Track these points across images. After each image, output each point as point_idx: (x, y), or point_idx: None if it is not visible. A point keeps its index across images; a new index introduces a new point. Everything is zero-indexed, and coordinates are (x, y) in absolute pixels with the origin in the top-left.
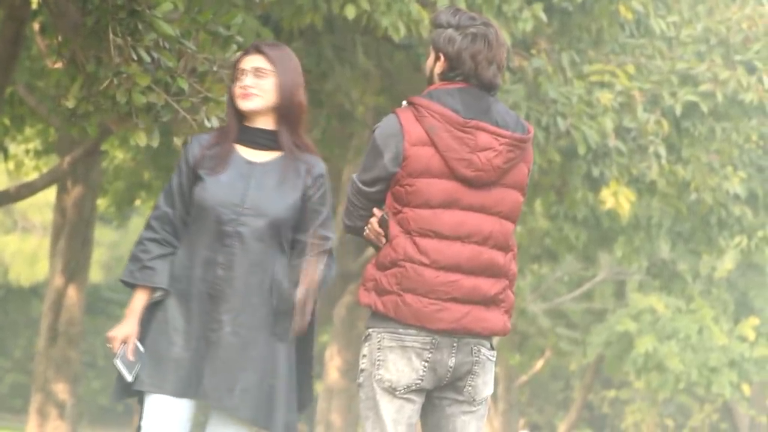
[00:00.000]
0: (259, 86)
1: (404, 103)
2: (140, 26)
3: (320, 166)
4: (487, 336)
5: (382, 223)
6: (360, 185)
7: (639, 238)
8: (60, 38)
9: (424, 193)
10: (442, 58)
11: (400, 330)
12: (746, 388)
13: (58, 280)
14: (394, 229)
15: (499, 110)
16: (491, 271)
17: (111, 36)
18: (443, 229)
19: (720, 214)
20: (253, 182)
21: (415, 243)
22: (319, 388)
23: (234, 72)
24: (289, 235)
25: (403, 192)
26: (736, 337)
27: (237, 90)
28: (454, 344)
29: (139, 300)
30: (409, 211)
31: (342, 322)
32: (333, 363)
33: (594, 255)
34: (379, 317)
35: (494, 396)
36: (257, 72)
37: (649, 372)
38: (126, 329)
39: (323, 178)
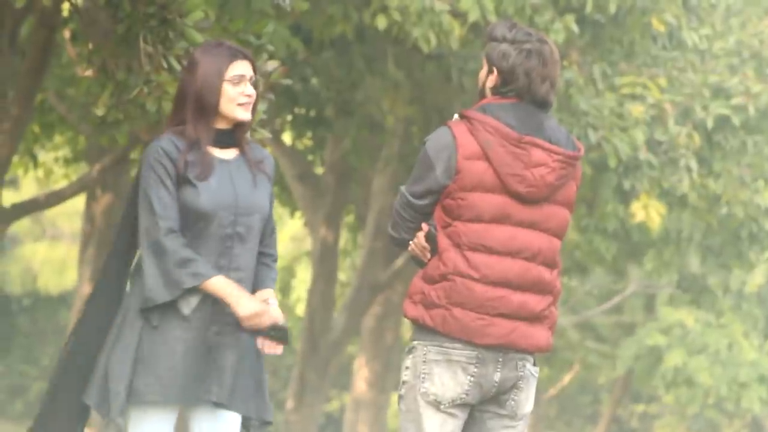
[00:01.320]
0: (253, 95)
1: (456, 116)
2: (171, 35)
3: (270, 156)
4: (532, 352)
5: (429, 237)
6: (409, 197)
7: (669, 252)
8: (91, 46)
9: (476, 208)
10: (495, 72)
11: (446, 344)
12: None
13: (87, 289)
14: (444, 242)
15: (552, 127)
16: (538, 288)
17: (141, 44)
18: (494, 244)
19: (751, 229)
20: (236, 181)
21: (465, 257)
22: (346, 399)
23: (219, 73)
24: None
25: (455, 205)
26: (766, 353)
27: (240, 97)
28: (500, 359)
29: (226, 284)
30: (460, 224)
31: (370, 333)
32: (360, 374)
33: (624, 268)
34: (425, 330)
35: None
36: (251, 80)
37: (678, 386)
38: (255, 302)
39: (274, 167)
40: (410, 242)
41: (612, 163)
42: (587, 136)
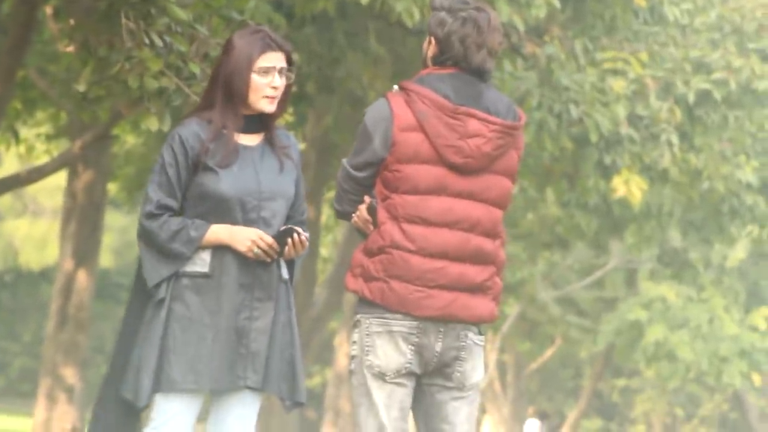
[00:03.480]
0: (281, 87)
1: (395, 87)
2: (153, 11)
3: (296, 142)
4: (474, 322)
5: (371, 209)
6: (350, 170)
7: (650, 227)
8: (72, 22)
9: (412, 179)
10: (434, 41)
11: (387, 315)
12: (757, 378)
13: (68, 265)
14: (382, 215)
15: (491, 96)
16: (478, 258)
17: (123, 20)
18: (430, 216)
19: (732, 203)
20: (259, 166)
21: (402, 229)
22: (328, 374)
23: (249, 62)
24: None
25: (392, 177)
26: (747, 327)
27: (266, 89)
28: (441, 329)
29: (218, 230)
30: (397, 197)
31: (351, 309)
32: (342, 350)
33: (605, 243)
34: (366, 303)
35: (503, 383)
36: (281, 72)
37: (660, 361)
38: (252, 231)
39: (299, 153)
40: (353, 215)
41: (593, 138)
42: (569, 111)
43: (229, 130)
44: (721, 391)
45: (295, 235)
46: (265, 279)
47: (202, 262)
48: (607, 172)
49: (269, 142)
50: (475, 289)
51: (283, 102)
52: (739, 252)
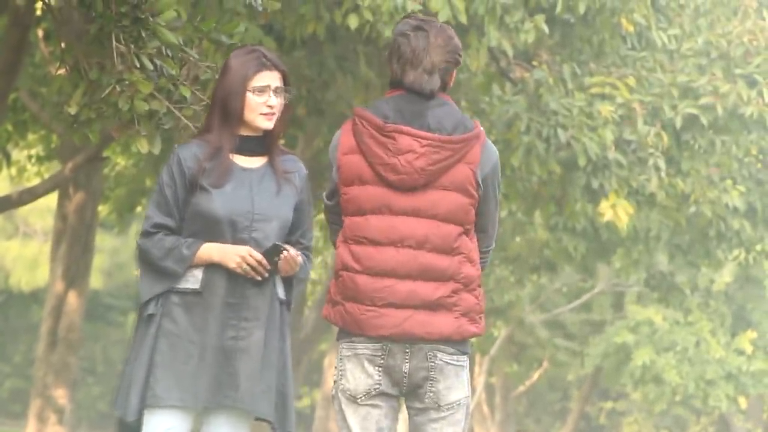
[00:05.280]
0: (277, 106)
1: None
2: (143, 34)
3: (303, 168)
4: (438, 341)
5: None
6: (326, 201)
7: (638, 250)
8: (63, 45)
9: (356, 201)
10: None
11: (354, 339)
12: (743, 401)
13: (59, 286)
14: (338, 239)
15: (437, 114)
16: (430, 275)
17: (114, 43)
18: (374, 235)
19: (719, 227)
20: (255, 188)
21: (350, 251)
22: (317, 396)
23: (244, 81)
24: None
25: (342, 201)
26: (734, 350)
27: (262, 107)
28: (407, 350)
29: (209, 249)
30: (347, 219)
31: None
32: (332, 371)
33: (593, 266)
34: (338, 329)
35: (491, 405)
36: (277, 91)
37: (646, 384)
38: (242, 248)
39: (307, 180)
40: None
41: (581, 162)
42: (557, 136)
43: (224, 150)
44: (707, 414)
45: (285, 252)
46: (253, 300)
47: (194, 279)
48: (595, 196)
49: (272, 164)
50: (433, 306)
51: (282, 121)
52: (725, 276)
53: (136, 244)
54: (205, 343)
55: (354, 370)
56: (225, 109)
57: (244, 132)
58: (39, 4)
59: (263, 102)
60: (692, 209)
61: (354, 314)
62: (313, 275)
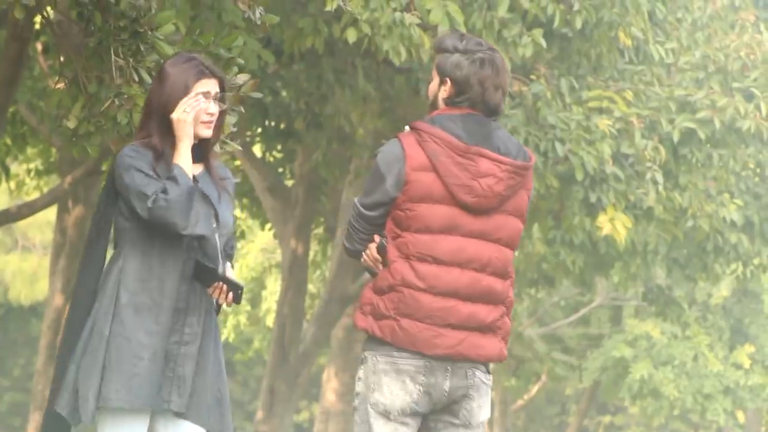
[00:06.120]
0: (216, 113)
1: (407, 128)
2: (142, 47)
3: (232, 177)
4: (483, 362)
5: (380, 248)
6: (361, 209)
7: (635, 264)
8: (62, 59)
9: (424, 218)
10: (449, 83)
11: (395, 354)
12: (741, 416)
13: (58, 300)
14: (393, 253)
15: (501, 136)
16: (489, 298)
17: (113, 57)
18: (442, 255)
19: (716, 241)
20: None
21: (412, 268)
22: (315, 410)
23: (185, 89)
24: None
25: (404, 216)
26: (731, 365)
27: (202, 115)
28: (449, 368)
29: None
30: (409, 235)
31: (339, 344)
32: (330, 385)
33: (590, 280)
34: (375, 341)
35: (489, 420)
36: (215, 97)
37: (644, 398)
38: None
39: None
40: (363, 253)
41: (579, 176)
42: (554, 149)
43: (168, 156)
44: (705, 428)
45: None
46: (196, 306)
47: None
48: (593, 210)
49: (208, 171)
50: (485, 328)
51: (218, 128)
52: (723, 290)
53: (154, 213)
54: (154, 345)
55: (392, 385)
56: (164, 116)
57: None
58: (38, 18)
59: (203, 109)
60: (690, 223)
61: (410, 330)
62: (311, 288)
